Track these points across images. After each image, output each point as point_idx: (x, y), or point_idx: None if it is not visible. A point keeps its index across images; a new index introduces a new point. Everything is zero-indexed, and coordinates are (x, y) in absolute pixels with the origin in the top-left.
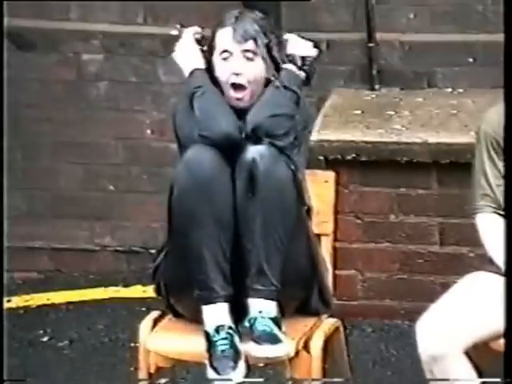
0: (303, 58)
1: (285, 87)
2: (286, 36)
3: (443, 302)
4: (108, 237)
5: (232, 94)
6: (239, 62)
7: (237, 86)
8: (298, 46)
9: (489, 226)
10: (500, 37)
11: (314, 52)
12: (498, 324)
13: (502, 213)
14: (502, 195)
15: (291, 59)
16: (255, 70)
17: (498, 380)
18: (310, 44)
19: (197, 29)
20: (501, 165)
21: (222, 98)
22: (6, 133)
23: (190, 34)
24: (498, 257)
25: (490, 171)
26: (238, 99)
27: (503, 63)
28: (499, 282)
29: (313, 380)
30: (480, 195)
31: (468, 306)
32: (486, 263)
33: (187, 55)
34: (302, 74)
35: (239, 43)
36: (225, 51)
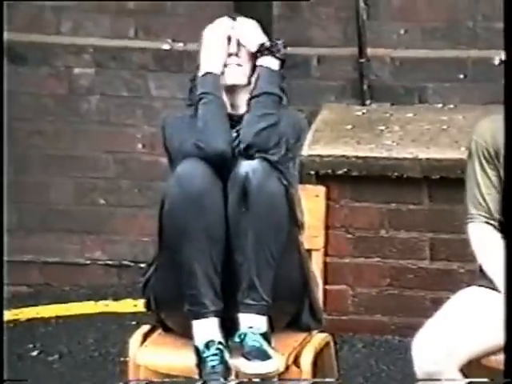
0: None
1: (265, 93)
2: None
3: (438, 319)
4: (98, 251)
5: (228, 70)
6: (236, 44)
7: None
8: (253, 35)
9: (480, 236)
10: (491, 53)
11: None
12: (493, 339)
13: (493, 222)
14: (493, 205)
15: (265, 49)
16: (249, 53)
17: (492, 380)
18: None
19: (231, 25)
20: (492, 174)
21: (225, 110)
22: (5, 143)
23: (223, 31)
24: (489, 267)
25: (481, 181)
26: (233, 71)
27: (504, 75)
28: (491, 296)
29: (303, 380)
30: (472, 204)
31: (462, 323)
32: (476, 277)
33: (208, 54)
34: (277, 64)
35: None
36: None
